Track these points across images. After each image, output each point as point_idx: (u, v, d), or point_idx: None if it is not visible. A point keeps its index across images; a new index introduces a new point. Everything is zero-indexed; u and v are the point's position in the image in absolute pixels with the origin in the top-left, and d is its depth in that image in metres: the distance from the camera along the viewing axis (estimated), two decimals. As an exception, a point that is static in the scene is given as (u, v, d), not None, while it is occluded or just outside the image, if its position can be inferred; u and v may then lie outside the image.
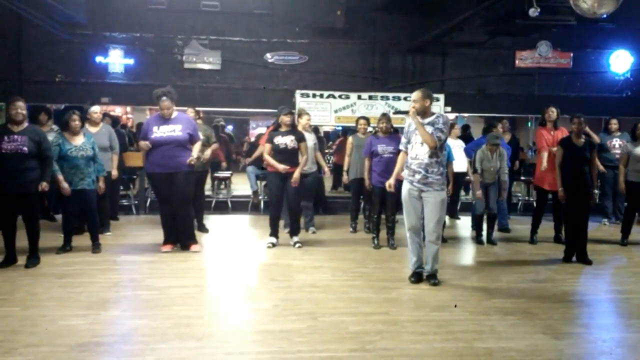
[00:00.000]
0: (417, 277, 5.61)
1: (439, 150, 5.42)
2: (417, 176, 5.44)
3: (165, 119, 6.62)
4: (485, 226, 7.76)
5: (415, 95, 5.52)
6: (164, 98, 6.57)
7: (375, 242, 7.29)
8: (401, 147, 5.71)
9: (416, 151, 5.46)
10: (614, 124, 9.20)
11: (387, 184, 5.96)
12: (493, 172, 7.57)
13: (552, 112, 7.68)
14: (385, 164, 7.01)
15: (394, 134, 7.39)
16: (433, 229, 5.45)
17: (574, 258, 6.64)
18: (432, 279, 5.55)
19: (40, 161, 5.88)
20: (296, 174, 7.01)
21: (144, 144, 6.59)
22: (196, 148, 6.75)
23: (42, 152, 5.87)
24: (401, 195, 5.66)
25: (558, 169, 6.71)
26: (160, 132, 6.55)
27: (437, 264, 5.60)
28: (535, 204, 8.07)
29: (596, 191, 7.03)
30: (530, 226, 7.84)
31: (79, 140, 6.69)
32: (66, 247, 6.69)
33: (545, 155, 7.56)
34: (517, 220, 9.32)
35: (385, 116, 7.35)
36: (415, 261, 5.64)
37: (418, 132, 5.42)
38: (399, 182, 6.88)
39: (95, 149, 6.81)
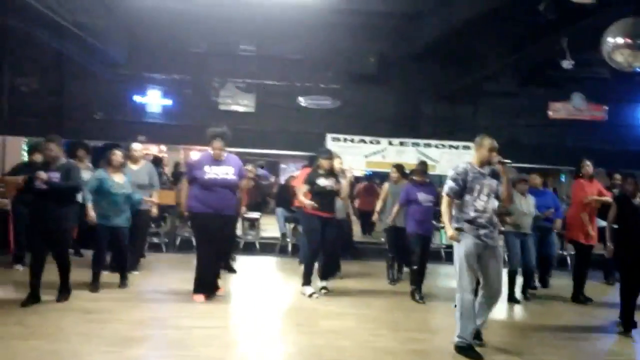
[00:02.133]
0: (473, 350, 4.89)
1: None
2: (484, 231, 4.94)
3: (216, 160, 6.50)
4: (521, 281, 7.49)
5: (494, 143, 5.05)
6: (218, 139, 6.46)
7: (418, 296, 6.91)
8: (449, 192, 5.06)
9: (484, 204, 4.98)
10: None
11: (449, 235, 5.16)
12: (526, 217, 7.27)
13: (589, 167, 7.59)
14: (425, 212, 7.04)
15: (429, 183, 7.38)
16: (500, 286, 5.03)
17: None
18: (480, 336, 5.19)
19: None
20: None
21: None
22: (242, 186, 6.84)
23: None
24: (459, 252, 4.98)
25: (609, 225, 6.38)
26: (214, 173, 6.39)
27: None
28: (575, 260, 7.80)
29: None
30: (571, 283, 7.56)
31: (120, 177, 6.82)
32: (96, 284, 6.65)
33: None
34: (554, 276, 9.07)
35: (423, 164, 7.31)
36: (471, 330, 4.93)
37: (501, 187, 5.01)
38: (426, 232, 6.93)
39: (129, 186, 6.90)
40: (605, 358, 5.20)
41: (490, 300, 5.01)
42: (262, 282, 7.74)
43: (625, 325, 6.00)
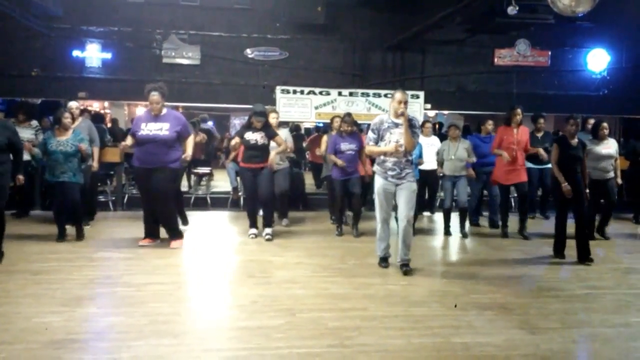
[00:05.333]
0: (386, 261, 6.06)
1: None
2: (392, 172, 5.78)
3: (154, 116, 6.62)
4: (458, 219, 8.03)
5: (403, 96, 5.71)
6: (154, 92, 6.57)
7: (339, 230, 7.80)
8: (368, 141, 5.88)
9: None
10: (591, 123, 9.23)
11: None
12: (453, 162, 7.87)
13: (519, 115, 7.82)
14: (347, 160, 7.57)
15: (356, 133, 7.86)
16: (406, 213, 5.74)
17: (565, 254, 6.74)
18: (406, 266, 5.80)
19: (10, 154, 6.03)
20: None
21: (124, 144, 6.84)
22: (189, 144, 6.89)
23: (13, 145, 5.99)
24: (375, 190, 5.93)
25: (555, 166, 6.67)
26: (147, 129, 6.56)
27: (410, 251, 5.84)
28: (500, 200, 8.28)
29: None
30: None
31: (65, 136, 6.89)
32: (63, 236, 6.95)
33: (504, 153, 7.65)
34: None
35: (349, 116, 7.75)
36: (384, 247, 6.04)
37: (403, 134, 5.65)
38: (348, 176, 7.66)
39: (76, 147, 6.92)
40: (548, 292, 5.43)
41: (402, 221, 5.79)
42: (214, 237, 7.71)
43: (560, 255, 6.74)
